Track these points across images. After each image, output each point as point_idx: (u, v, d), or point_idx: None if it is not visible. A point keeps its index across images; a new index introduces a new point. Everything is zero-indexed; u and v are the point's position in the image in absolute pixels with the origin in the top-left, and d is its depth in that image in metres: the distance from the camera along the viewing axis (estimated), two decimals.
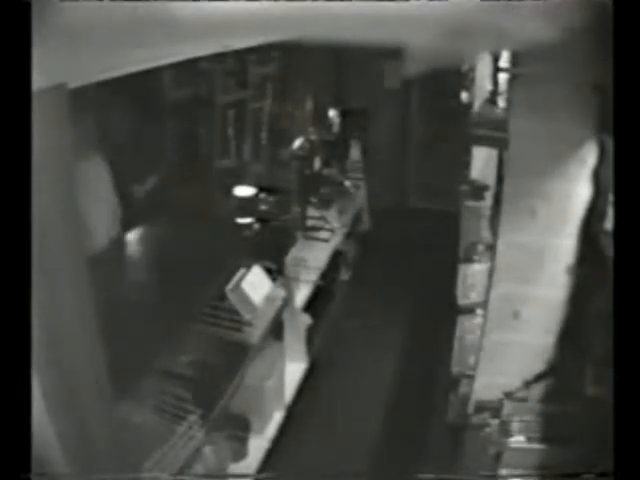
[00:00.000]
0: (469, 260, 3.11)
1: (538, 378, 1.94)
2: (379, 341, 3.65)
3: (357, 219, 4.56)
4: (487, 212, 3.21)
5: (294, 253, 3.34)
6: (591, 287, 1.78)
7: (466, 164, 3.43)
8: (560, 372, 1.92)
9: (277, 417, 2.91)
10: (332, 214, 3.89)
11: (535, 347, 1.94)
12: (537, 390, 1.95)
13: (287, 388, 3.03)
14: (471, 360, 2.39)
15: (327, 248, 3.67)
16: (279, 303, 2.72)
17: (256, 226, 2.79)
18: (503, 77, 2.67)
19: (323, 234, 3.70)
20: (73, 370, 1.22)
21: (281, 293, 2.75)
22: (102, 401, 1.33)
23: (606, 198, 1.68)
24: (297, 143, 3.50)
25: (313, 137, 3.74)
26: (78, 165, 1.15)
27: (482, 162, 3.34)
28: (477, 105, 3.12)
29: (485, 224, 3.17)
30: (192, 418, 2.03)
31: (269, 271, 2.67)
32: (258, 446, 2.72)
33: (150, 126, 2.18)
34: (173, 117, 2.30)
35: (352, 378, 3.33)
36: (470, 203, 3.34)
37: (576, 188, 1.77)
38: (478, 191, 3.31)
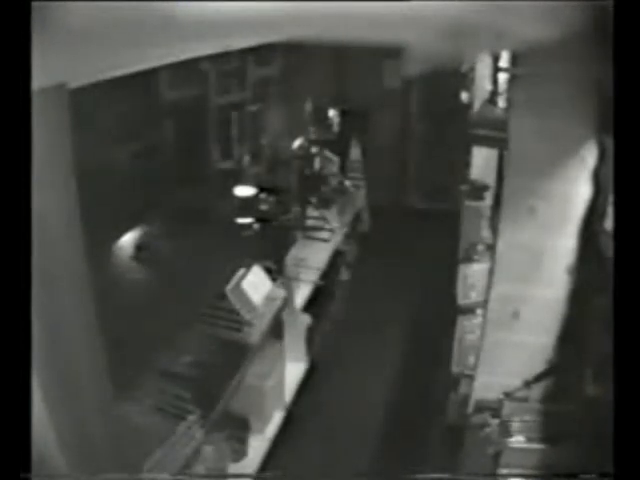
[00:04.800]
0: (469, 260, 3.11)
1: (538, 378, 1.94)
2: (379, 341, 3.65)
3: (357, 219, 4.56)
4: (487, 212, 3.21)
5: (294, 253, 3.34)
6: (591, 287, 1.78)
7: (466, 164, 3.43)
8: (560, 372, 1.92)
9: (277, 417, 2.91)
10: (332, 214, 3.89)
11: (535, 347, 1.94)
12: (537, 390, 1.95)
13: (287, 388, 3.03)
14: (471, 360, 2.39)
15: (327, 248, 3.67)
16: (279, 303, 2.71)
17: (256, 226, 2.79)
18: (503, 77, 2.67)
19: (323, 234, 3.70)
20: (73, 370, 1.22)
21: (281, 293, 2.75)
22: (102, 401, 1.33)
23: (606, 198, 1.68)
24: (297, 143, 3.50)
25: (313, 137, 3.74)
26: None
27: (482, 162, 3.34)
28: (477, 105, 3.12)
29: (485, 224, 3.17)
30: (192, 418, 2.03)
31: (269, 271, 2.67)
32: (258, 446, 2.72)
33: (149, 126, 2.18)
34: (173, 117, 2.30)
35: (352, 378, 3.33)
36: (470, 203, 3.35)
37: (576, 188, 1.77)
38: (478, 191, 3.31)
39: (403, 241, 4.60)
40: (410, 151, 5.47)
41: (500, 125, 2.10)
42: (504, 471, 1.83)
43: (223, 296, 2.38)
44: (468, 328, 2.76)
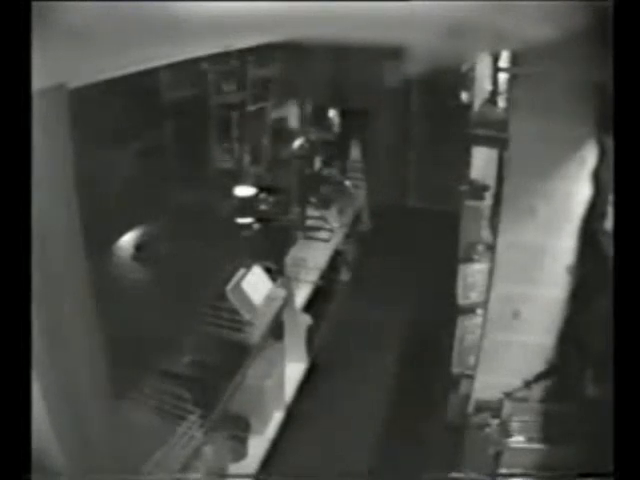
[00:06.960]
0: (469, 260, 3.11)
1: (538, 378, 1.95)
2: (379, 341, 3.65)
3: (357, 219, 4.56)
4: (487, 212, 3.21)
5: (294, 253, 3.34)
6: (591, 287, 1.78)
7: (466, 164, 3.43)
8: (560, 372, 1.92)
9: (277, 417, 2.91)
10: (332, 214, 3.89)
11: (535, 347, 1.94)
12: (537, 390, 1.95)
13: (287, 388, 3.03)
14: (471, 360, 2.39)
15: (327, 248, 3.67)
16: (279, 303, 2.71)
17: (256, 226, 2.79)
18: (503, 77, 2.67)
19: (323, 234, 3.70)
20: (73, 370, 1.22)
21: (281, 293, 2.74)
22: (102, 401, 1.33)
23: (606, 198, 1.68)
24: (297, 143, 3.50)
25: (313, 137, 3.74)
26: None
27: (482, 162, 3.34)
28: (477, 105, 3.12)
29: (485, 224, 3.17)
30: (192, 418, 2.03)
31: (269, 271, 2.66)
32: (258, 446, 2.72)
33: (149, 126, 2.18)
34: (173, 117, 2.30)
35: (352, 378, 3.33)
36: (470, 203, 3.34)
37: (576, 188, 1.77)
38: (478, 191, 3.31)
39: (403, 241, 4.61)
40: (410, 151, 5.47)
41: (500, 125, 2.10)
42: (504, 471, 1.83)
43: (223, 296, 2.38)
44: (468, 328, 2.76)
